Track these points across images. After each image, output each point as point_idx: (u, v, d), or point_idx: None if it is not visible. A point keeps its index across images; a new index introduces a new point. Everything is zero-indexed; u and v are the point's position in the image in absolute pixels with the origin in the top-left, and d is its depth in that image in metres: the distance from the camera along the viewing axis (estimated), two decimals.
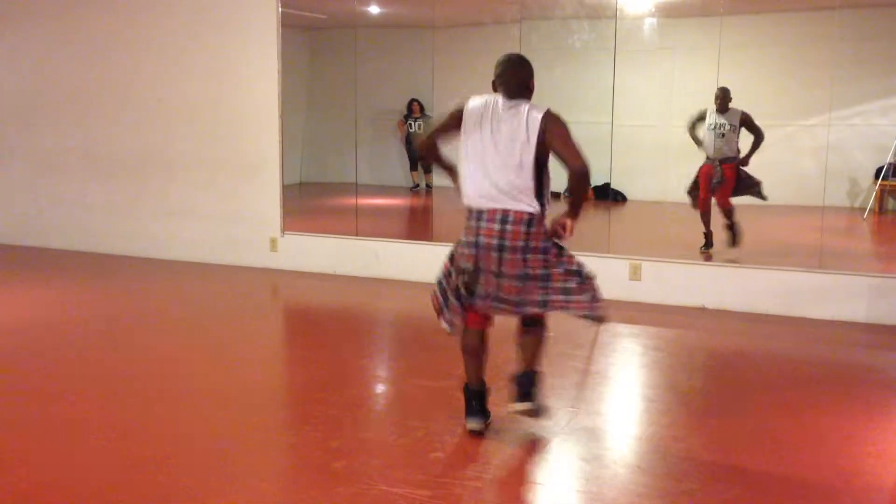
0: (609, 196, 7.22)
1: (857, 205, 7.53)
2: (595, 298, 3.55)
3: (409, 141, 8.89)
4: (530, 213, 3.42)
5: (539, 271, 3.45)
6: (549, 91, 7.88)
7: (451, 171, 3.66)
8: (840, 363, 4.92)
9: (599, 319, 3.63)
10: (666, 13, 7.05)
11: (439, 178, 8.45)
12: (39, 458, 3.44)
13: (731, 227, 6.49)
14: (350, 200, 7.42)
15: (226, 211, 7.56)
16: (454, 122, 3.55)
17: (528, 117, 3.42)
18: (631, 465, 3.39)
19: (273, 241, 7.40)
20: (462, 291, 3.54)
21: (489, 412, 3.71)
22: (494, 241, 3.41)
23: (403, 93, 8.70)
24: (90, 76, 7.98)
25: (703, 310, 5.99)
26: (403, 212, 9.35)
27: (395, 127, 8.89)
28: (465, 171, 3.51)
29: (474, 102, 3.53)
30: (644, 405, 4.16)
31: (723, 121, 6.54)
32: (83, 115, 8.08)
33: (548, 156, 3.46)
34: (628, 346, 5.22)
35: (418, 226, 8.71)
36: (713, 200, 6.58)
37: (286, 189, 7.40)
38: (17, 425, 3.82)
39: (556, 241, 3.52)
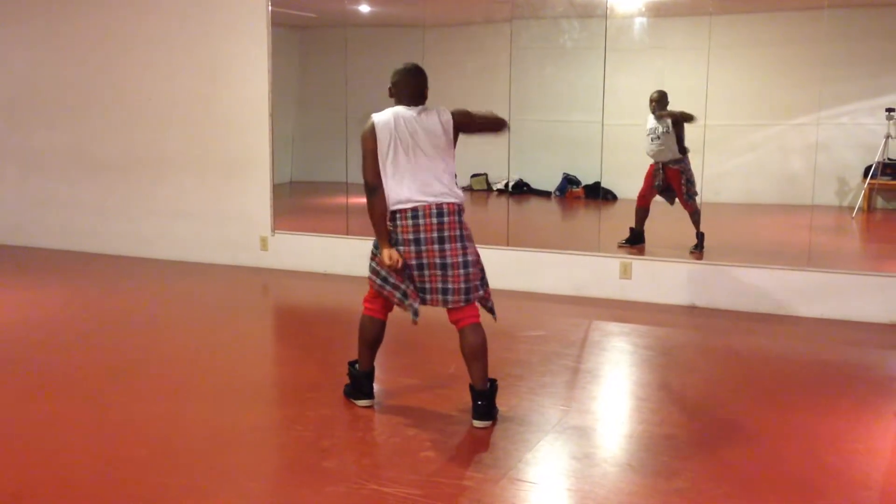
0: (599, 195, 7.24)
1: (845, 203, 7.56)
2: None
3: None
4: (459, 205, 3.72)
5: (472, 258, 3.72)
6: (540, 90, 7.94)
7: (384, 221, 3.72)
8: (829, 361, 4.95)
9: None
10: (656, 12, 7.07)
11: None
12: (28, 458, 3.43)
13: (698, 235, 6.54)
14: (340, 199, 7.41)
15: (216, 210, 7.54)
16: (373, 143, 3.68)
17: (441, 117, 3.72)
18: (622, 464, 3.40)
19: (263, 241, 7.39)
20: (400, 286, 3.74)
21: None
22: (435, 234, 3.64)
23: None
24: (79, 76, 7.95)
25: (693, 308, 6.01)
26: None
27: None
28: (393, 178, 3.66)
29: (381, 117, 3.71)
30: (634, 403, 4.17)
31: (656, 124, 6.61)
32: (73, 115, 8.04)
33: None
34: (619, 345, 5.23)
35: None
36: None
37: (276, 188, 7.38)
38: (5, 425, 3.81)
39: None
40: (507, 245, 6.66)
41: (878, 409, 4.07)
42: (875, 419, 3.93)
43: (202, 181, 7.57)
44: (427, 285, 3.71)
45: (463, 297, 3.69)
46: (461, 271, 3.67)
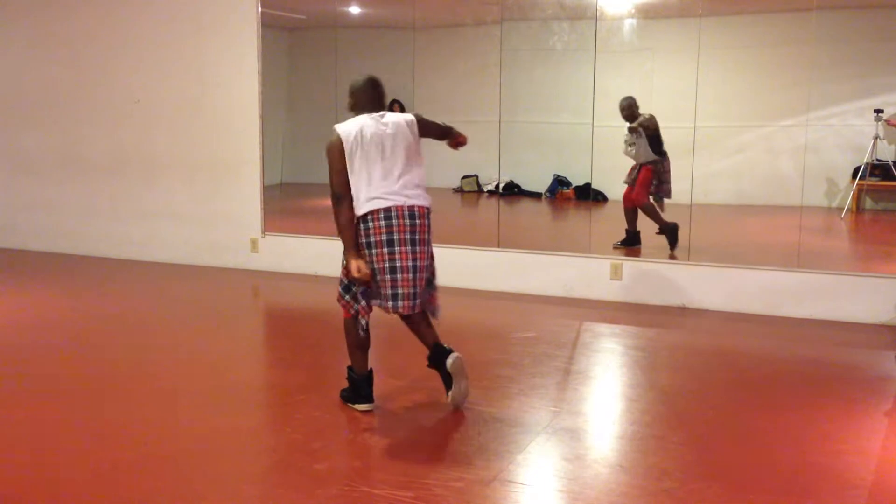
0: (590, 196, 7.25)
1: (834, 204, 7.60)
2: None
3: None
4: (428, 207, 3.81)
5: (429, 262, 3.86)
6: (530, 92, 7.95)
7: (350, 228, 3.78)
8: (818, 361, 4.97)
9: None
10: (645, 14, 7.08)
11: None
12: (17, 462, 3.41)
13: (629, 232, 6.64)
14: (331, 201, 7.39)
15: (206, 212, 7.52)
16: (339, 153, 3.75)
17: (405, 121, 3.81)
18: (612, 465, 3.40)
19: (254, 242, 7.37)
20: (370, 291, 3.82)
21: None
22: (407, 236, 3.72)
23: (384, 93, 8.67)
24: (68, 77, 7.92)
25: (683, 309, 6.02)
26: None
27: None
28: (363, 183, 3.72)
29: (346, 128, 3.77)
30: (625, 404, 4.18)
31: (628, 134, 6.68)
32: (61, 116, 8.01)
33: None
34: (609, 346, 5.24)
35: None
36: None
37: (267, 190, 7.37)
38: None
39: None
40: (498, 246, 6.66)
41: (867, 408, 4.08)
42: (864, 419, 3.94)
43: (192, 183, 7.55)
44: (399, 290, 3.73)
45: (413, 301, 3.79)
46: (427, 265, 3.82)
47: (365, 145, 3.72)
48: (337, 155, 3.74)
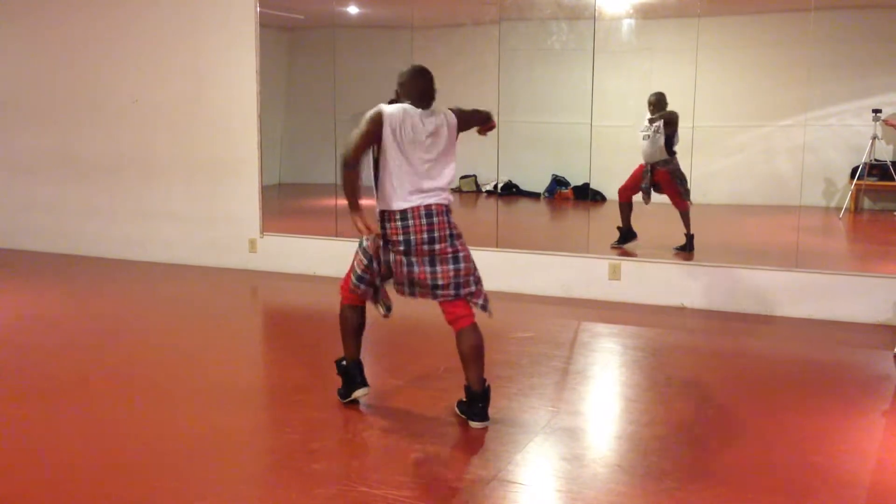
0: (588, 196, 7.25)
1: (832, 204, 7.60)
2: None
3: None
4: (447, 206, 3.75)
5: (463, 253, 3.73)
6: (528, 92, 7.94)
7: (355, 194, 3.69)
8: (817, 361, 4.97)
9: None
10: (643, 14, 7.08)
11: None
12: (16, 462, 3.41)
13: (688, 236, 6.57)
14: (329, 201, 7.40)
15: (204, 212, 7.51)
16: (376, 128, 3.64)
17: (448, 119, 3.76)
18: (611, 465, 3.40)
19: (252, 243, 7.37)
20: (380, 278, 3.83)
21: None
22: (425, 236, 3.65)
23: (382, 94, 8.66)
24: (66, 78, 7.91)
25: (682, 309, 6.02)
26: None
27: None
28: (386, 176, 3.66)
29: (391, 110, 3.68)
30: (624, 404, 4.18)
31: (647, 124, 6.64)
32: (59, 117, 8.00)
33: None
34: (608, 346, 5.24)
35: None
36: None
37: (265, 190, 7.36)
38: None
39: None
40: (497, 246, 6.66)
41: (866, 408, 4.09)
42: (863, 419, 3.95)
43: (190, 183, 7.54)
44: (416, 286, 3.71)
45: (452, 291, 3.68)
46: (450, 267, 3.67)
47: (401, 135, 3.62)
48: (372, 128, 3.62)
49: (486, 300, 3.79)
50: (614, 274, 6.23)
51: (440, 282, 3.67)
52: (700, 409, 4.08)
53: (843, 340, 5.34)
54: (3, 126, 8.27)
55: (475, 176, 8.85)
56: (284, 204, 8.59)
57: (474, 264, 3.79)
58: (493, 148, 6.85)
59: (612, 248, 6.61)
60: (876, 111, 7.09)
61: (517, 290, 6.47)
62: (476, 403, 3.73)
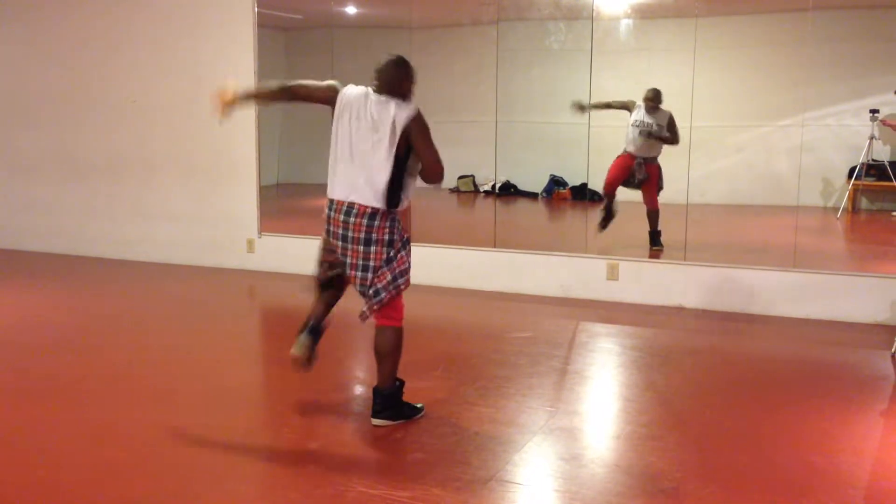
0: (586, 196, 7.25)
1: (830, 204, 7.61)
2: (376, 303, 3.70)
3: None
4: (374, 208, 3.57)
5: (375, 263, 3.63)
6: (526, 92, 7.94)
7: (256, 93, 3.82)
8: (815, 361, 4.98)
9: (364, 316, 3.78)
10: (641, 14, 7.09)
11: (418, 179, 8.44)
12: (13, 462, 3.40)
13: (655, 234, 6.64)
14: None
15: (202, 212, 7.51)
16: (328, 93, 3.67)
17: (397, 113, 3.53)
18: (609, 465, 3.40)
19: (250, 243, 7.36)
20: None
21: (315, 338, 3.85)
22: (340, 231, 3.63)
23: None
24: (64, 77, 7.90)
25: (680, 309, 6.03)
26: None
27: None
28: (332, 161, 3.68)
29: (352, 90, 3.65)
30: (622, 404, 4.18)
31: (650, 120, 6.64)
32: (57, 117, 8.00)
33: (408, 154, 3.60)
34: (606, 346, 5.24)
35: None
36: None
37: (263, 190, 7.36)
38: None
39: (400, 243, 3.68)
40: (495, 246, 6.66)
41: (864, 408, 4.09)
42: (861, 418, 3.95)
43: (188, 183, 7.54)
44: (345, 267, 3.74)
45: (359, 289, 3.70)
46: (358, 273, 3.64)
47: (350, 115, 3.59)
48: (328, 90, 3.68)
49: (377, 304, 3.66)
50: (612, 274, 6.23)
51: (350, 274, 3.70)
52: (698, 408, 4.08)
53: (840, 340, 5.34)
54: (2, 126, 8.26)
55: (473, 176, 8.85)
56: (282, 204, 8.59)
57: (387, 276, 3.63)
58: (491, 148, 6.85)
59: (599, 230, 6.63)
60: (874, 111, 7.10)
61: (515, 290, 6.47)
62: (375, 399, 3.77)
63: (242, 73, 7.15)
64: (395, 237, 3.66)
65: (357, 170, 3.59)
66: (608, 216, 6.75)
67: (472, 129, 7.45)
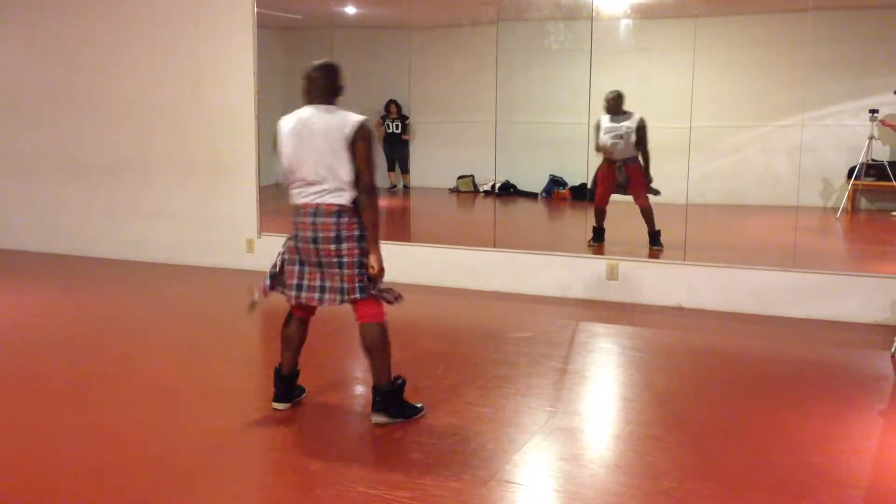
0: (586, 196, 7.25)
1: (829, 204, 7.62)
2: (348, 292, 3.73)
3: (386, 142, 8.87)
4: (340, 206, 3.67)
5: (348, 259, 3.69)
6: (526, 92, 7.95)
7: None
8: (814, 361, 4.98)
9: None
10: (641, 14, 7.09)
11: (418, 179, 8.45)
12: (12, 464, 3.40)
13: (654, 234, 6.64)
14: None
15: (201, 212, 7.51)
16: (279, 146, 3.82)
17: (347, 119, 3.66)
18: (609, 465, 3.40)
19: (249, 243, 7.36)
20: (287, 282, 3.87)
21: (298, 392, 4.05)
22: (309, 234, 3.71)
23: (381, 93, 8.67)
24: (64, 78, 7.90)
25: (679, 309, 6.03)
26: (381, 212, 9.31)
27: (373, 128, 8.87)
28: (290, 177, 3.81)
29: (286, 120, 3.80)
30: (621, 404, 4.18)
31: (619, 124, 6.65)
32: (56, 117, 7.99)
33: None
34: (605, 346, 5.24)
35: (396, 226, 8.70)
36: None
37: (263, 190, 7.36)
38: None
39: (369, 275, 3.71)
40: (494, 246, 6.66)
41: (863, 408, 4.09)
42: (860, 418, 3.95)
43: (187, 183, 7.54)
44: (305, 282, 3.81)
45: (338, 296, 3.73)
46: (336, 271, 3.70)
47: (299, 135, 3.70)
48: (279, 146, 3.82)
49: (360, 291, 3.70)
50: (612, 274, 6.23)
51: (327, 283, 3.74)
52: (698, 409, 4.08)
53: (840, 340, 5.34)
54: (2, 126, 8.26)
55: (472, 176, 8.85)
56: (282, 204, 8.56)
57: (363, 269, 3.70)
58: (491, 148, 6.86)
59: (589, 245, 6.64)
60: (873, 111, 7.11)
61: (515, 290, 6.47)
62: (375, 396, 3.79)
63: (242, 73, 7.16)
64: (360, 234, 3.74)
65: (317, 175, 3.70)
66: (599, 234, 6.76)
67: (472, 129, 7.45)
